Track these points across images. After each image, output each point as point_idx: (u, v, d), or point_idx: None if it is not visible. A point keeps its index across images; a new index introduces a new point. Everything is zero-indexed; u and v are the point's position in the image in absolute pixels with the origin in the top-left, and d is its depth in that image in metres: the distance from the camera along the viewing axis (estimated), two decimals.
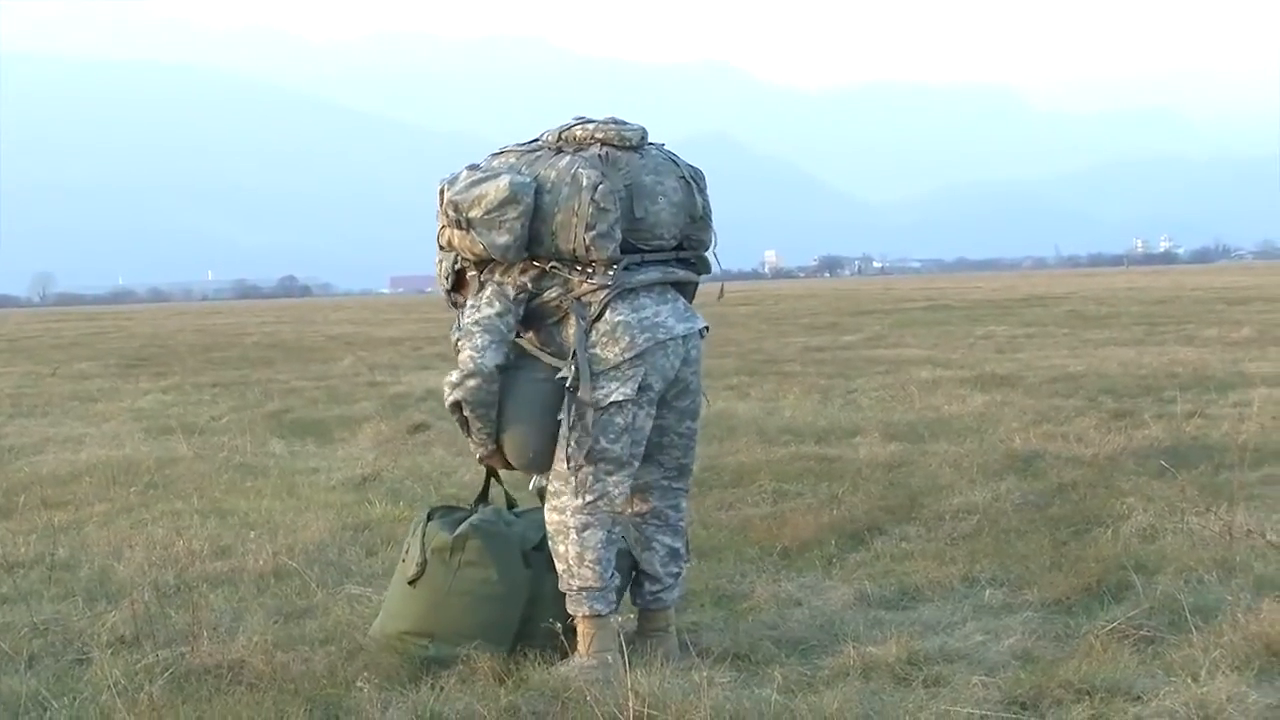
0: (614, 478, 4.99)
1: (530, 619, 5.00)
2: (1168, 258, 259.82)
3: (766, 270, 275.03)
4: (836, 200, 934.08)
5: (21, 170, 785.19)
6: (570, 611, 5.01)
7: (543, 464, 5.07)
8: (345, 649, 5.26)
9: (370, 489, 9.32)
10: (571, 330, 4.97)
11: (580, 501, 4.97)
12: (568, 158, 4.99)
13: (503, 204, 4.86)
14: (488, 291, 5.02)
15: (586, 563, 4.97)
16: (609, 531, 5.03)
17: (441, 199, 5.00)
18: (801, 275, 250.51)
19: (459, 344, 5.01)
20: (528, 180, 4.91)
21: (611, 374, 4.93)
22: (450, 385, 4.99)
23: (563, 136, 5.08)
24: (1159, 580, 5.87)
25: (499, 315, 4.98)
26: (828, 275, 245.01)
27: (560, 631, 4.83)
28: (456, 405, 5.00)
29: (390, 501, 8.62)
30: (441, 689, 4.68)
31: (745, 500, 8.35)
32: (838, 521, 7.43)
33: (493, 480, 5.38)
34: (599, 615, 4.98)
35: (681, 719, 4.20)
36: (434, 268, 5.28)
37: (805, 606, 5.89)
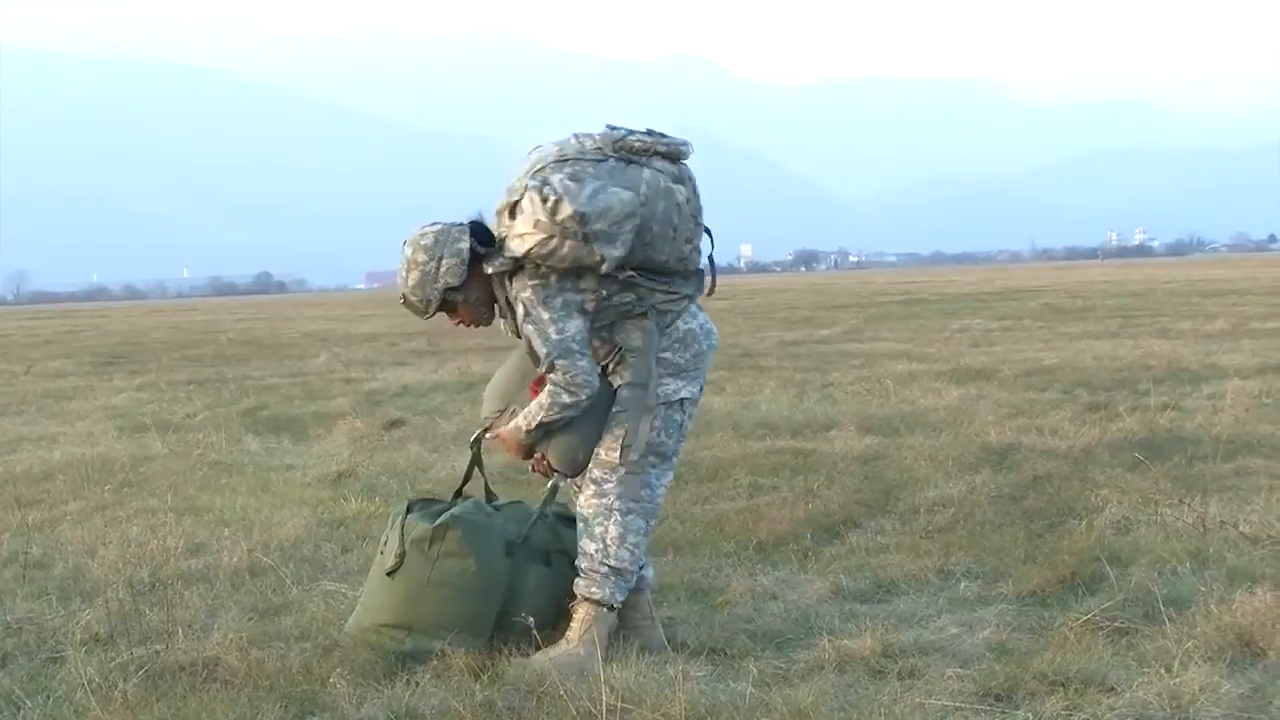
0: (656, 470, 5.15)
1: (507, 612, 5.00)
2: (1142, 250, 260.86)
3: (742, 265, 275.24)
4: (812, 194, 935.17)
5: None
6: (584, 594, 5.05)
7: (583, 469, 5.15)
8: (320, 645, 5.25)
9: (345, 485, 9.31)
10: (634, 335, 5.08)
11: (625, 489, 5.07)
12: (647, 171, 5.01)
13: (626, 217, 4.89)
14: (556, 302, 4.97)
15: (627, 545, 5.07)
16: (649, 522, 5.14)
17: (554, 209, 4.84)
18: (777, 270, 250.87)
19: (556, 361, 4.93)
20: (639, 196, 4.95)
21: (680, 374, 5.11)
22: (561, 407, 4.96)
23: (618, 145, 5.03)
24: (1133, 572, 5.89)
25: (583, 327, 5.00)
26: (803, 269, 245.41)
27: (534, 626, 4.82)
28: (554, 422, 5.01)
29: (365, 498, 8.61)
30: (416, 684, 4.68)
31: (721, 494, 8.35)
32: (813, 515, 7.44)
33: (474, 472, 5.39)
34: (612, 606, 5.06)
35: (657, 712, 4.20)
36: (405, 268, 5.12)
37: (781, 600, 5.90)
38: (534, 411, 5.01)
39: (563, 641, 5.01)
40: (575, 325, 4.96)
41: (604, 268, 4.90)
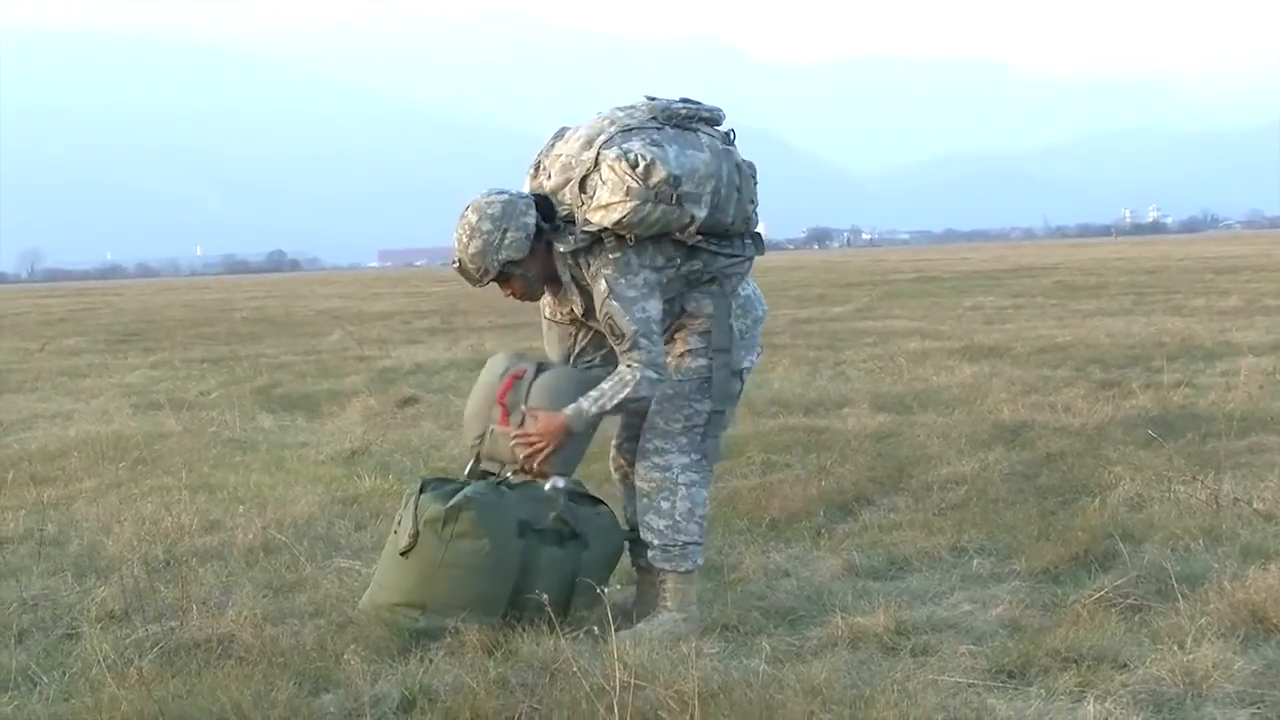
0: (712, 439, 5.19)
1: (520, 591, 5.00)
2: (1156, 228, 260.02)
3: None
4: (825, 172, 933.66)
5: (9, 145, 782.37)
6: (668, 568, 5.15)
7: (574, 465, 5.22)
8: (334, 622, 5.26)
9: (359, 463, 9.32)
10: (704, 302, 5.12)
11: (688, 459, 5.13)
12: (703, 136, 5.03)
13: (708, 178, 4.93)
14: (638, 280, 4.97)
15: (696, 518, 5.15)
16: (708, 489, 5.22)
17: (646, 173, 4.82)
18: (790, 247, 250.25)
19: (640, 339, 4.94)
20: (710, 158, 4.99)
21: (743, 343, 5.17)
22: (649, 383, 4.99)
23: (666, 114, 5.01)
24: (1146, 549, 5.89)
25: (661, 309, 5.03)
26: (816, 247, 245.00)
27: (548, 604, 4.81)
28: (635, 401, 5.04)
29: (379, 475, 8.61)
30: (430, 661, 4.69)
31: (734, 472, 8.34)
32: (826, 492, 7.43)
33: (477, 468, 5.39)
34: (694, 570, 5.18)
35: (670, 689, 4.20)
36: (475, 243, 4.99)
37: (793, 577, 5.90)
38: (611, 392, 4.98)
39: (662, 612, 5.14)
40: (656, 306, 4.98)
41: (690, 230, 4.93)
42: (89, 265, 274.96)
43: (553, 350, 5.44)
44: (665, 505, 5.12)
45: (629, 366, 4.97)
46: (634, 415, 5.25)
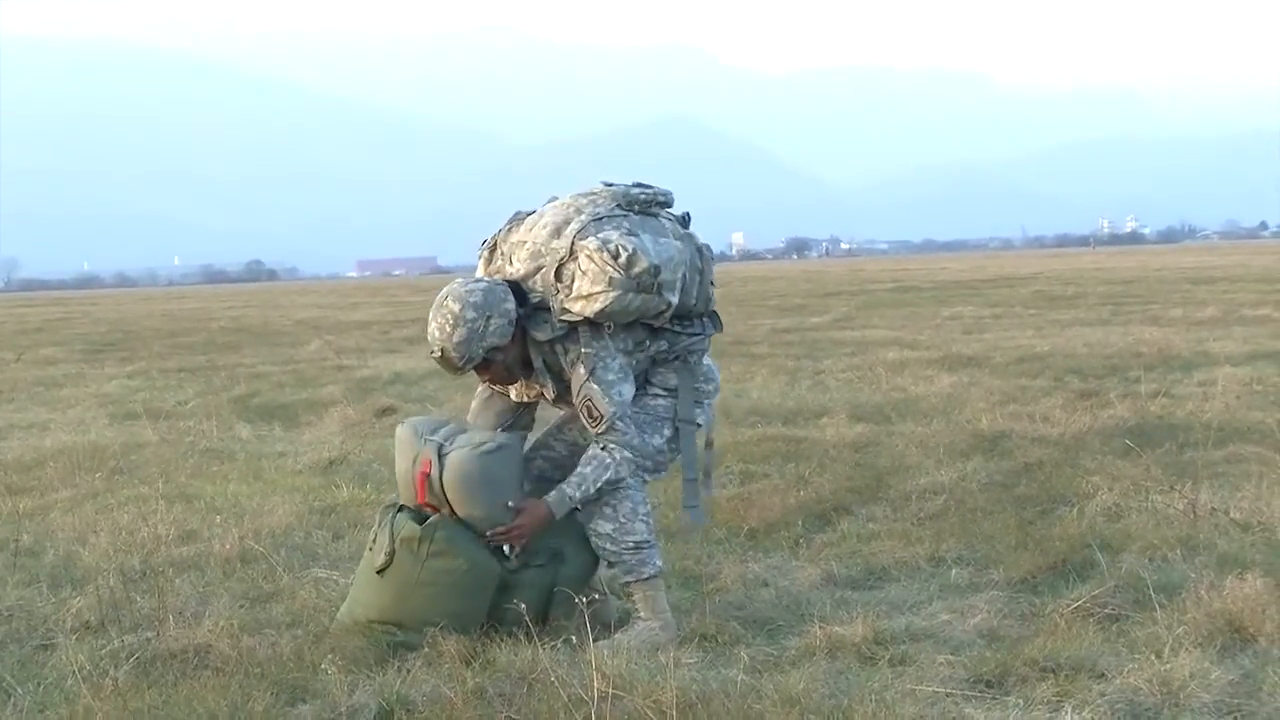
0: (650, 476, 5.29)
1: (499, 605, 5.01)
2: (1134, 238, 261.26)
3: (734, 252, 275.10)
4: (804, 182, 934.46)
5: None
6: (631, 579, 5.19)
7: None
8: (312, 632, 5.25)
9: (337, 473, 9.29)
10: (669, 378, 5.27)
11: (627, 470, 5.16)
12: (666, 222, 5.19)
13: (680, 264, 5.08)
14: (616, 364, 5.08)
15: (640, 516, 5.18)
16: (644, 494, 5.24)
17: (629, 264, 4.91)
18: (769, 257, 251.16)
19: (618, 423, 5.08)
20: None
21: (701, 403, 5.39)
22: (626, 463, 5.12)
23: (628, 201, 5.15)
24: (1124, 558, 5.90)
25: (632, 393, 5.16)
26: (795, 257, 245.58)
27: (525, 614, 4.80)
28: (613, 482, 5.14)
29: (357, 485, 8.60)
30: (408, 672, 4.68)
31: (712, 481, 8.33)
32: (805, 502, 7.44)
33: None
34: (656, 574, 5.19)
35: (648, 699, 4.20)
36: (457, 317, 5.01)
37: (772, 587, 5.91)
38: (593, 476, 5.08)
39: (637, 622, 5.17)
40: (630, 390, 5.12)
41: (665, 315, 5.08)
42: (66, 275, 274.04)
43: (485, 419, 5.44)
44: (609, 510, 5.15)
45: (605, 449, 5.08)
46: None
